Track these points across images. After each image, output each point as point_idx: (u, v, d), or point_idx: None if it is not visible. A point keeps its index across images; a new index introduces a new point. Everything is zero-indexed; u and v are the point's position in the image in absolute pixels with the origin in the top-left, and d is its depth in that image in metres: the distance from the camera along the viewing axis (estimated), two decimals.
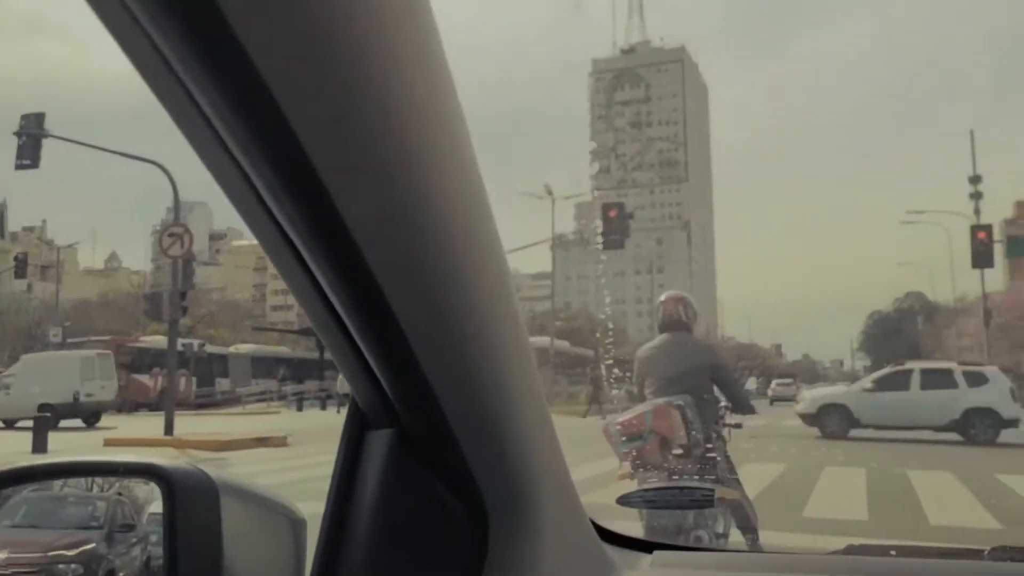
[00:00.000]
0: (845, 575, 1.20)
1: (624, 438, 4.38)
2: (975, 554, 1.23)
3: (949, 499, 8.29)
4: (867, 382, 18.99)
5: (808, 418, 18.18)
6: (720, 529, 4.78)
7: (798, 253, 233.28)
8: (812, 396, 19.53)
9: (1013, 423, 16.70)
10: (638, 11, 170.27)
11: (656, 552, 1.22)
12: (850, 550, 1.32)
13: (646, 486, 1.67)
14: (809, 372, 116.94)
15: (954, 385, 17.57)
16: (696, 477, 4.48)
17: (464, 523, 0.85)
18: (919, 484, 9.35)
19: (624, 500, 1.60)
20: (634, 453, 4.35)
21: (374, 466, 0.81)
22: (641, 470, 4.34)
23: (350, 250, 0.62)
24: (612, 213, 26.52)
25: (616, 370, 6.29)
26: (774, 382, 62.06)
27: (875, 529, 6.69)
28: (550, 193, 35.70)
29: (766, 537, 5.40)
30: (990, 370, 18.78)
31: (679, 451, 4.37)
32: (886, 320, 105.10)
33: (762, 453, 13.11)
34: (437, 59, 0.61)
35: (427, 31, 0.58)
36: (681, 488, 1.68)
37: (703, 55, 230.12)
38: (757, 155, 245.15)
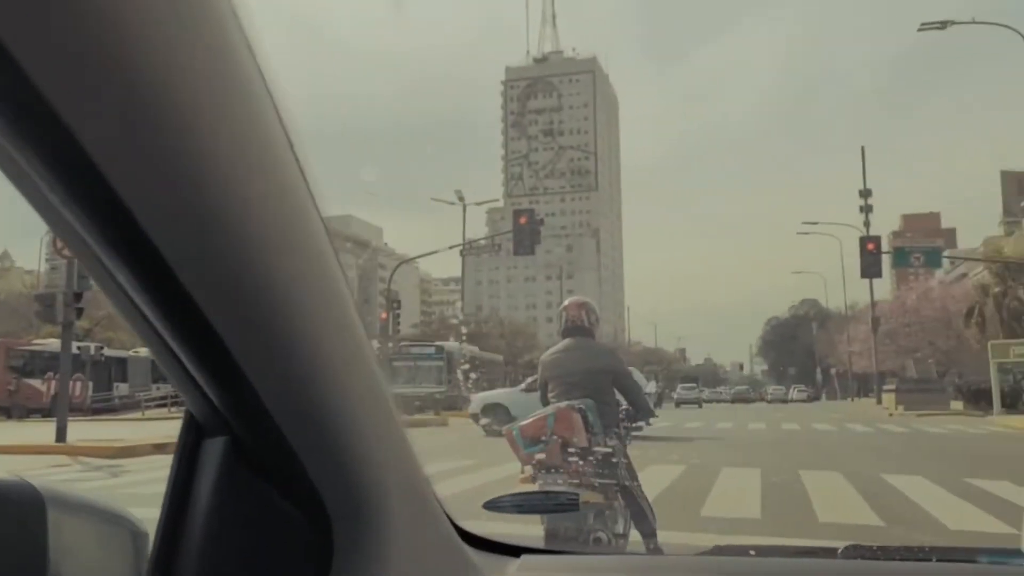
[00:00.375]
0: (706, 575, 1.26)
1: (527, 442, 4.47)
2: (830, 553, 1.32)
3: (837, 498, 8.70)
4: (523, 385, 20.79)
5: (474, 416, 20.09)
6: (620, 530, 4.92)
7: (701, 261, 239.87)
8: (479, 398, 21.64)
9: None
10: (551, 21, 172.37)
11: (524, 556, 1.23)
12: (715, 550, 1.39)
13: (513, 491, 1.72)
14: (711, 375, 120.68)
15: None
16: (597, 480, 4.61)
17: (305, 532, 0.83)
18: (810, 484, 9.78)
19: (491, 505, 1.63)
20: (536, 457, 4.43)
21: (208, 476, 0.79)
22: (543, 473, 4.43)
23: (155, 260, 0.59)
24: (523, 219, 26.81)
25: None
26: (680, 386, 64.30)
27: (767, 527, 6.98)
28: (461, 199, 35.76)
29: (666, 537, 5.58)
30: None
31: (580, 454, 4.47)
32: (783, 326, 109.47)
33: (663, 455, 13.48)
34: (243, 59, 0.58)
35: (228, 32, 0.56)
36: (547, 493, 1.74)
37: (613, 66, 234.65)
38: (663, 165, 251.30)
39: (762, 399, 76.46)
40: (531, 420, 4.55)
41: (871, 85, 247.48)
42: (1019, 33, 28.23)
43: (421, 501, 0.98)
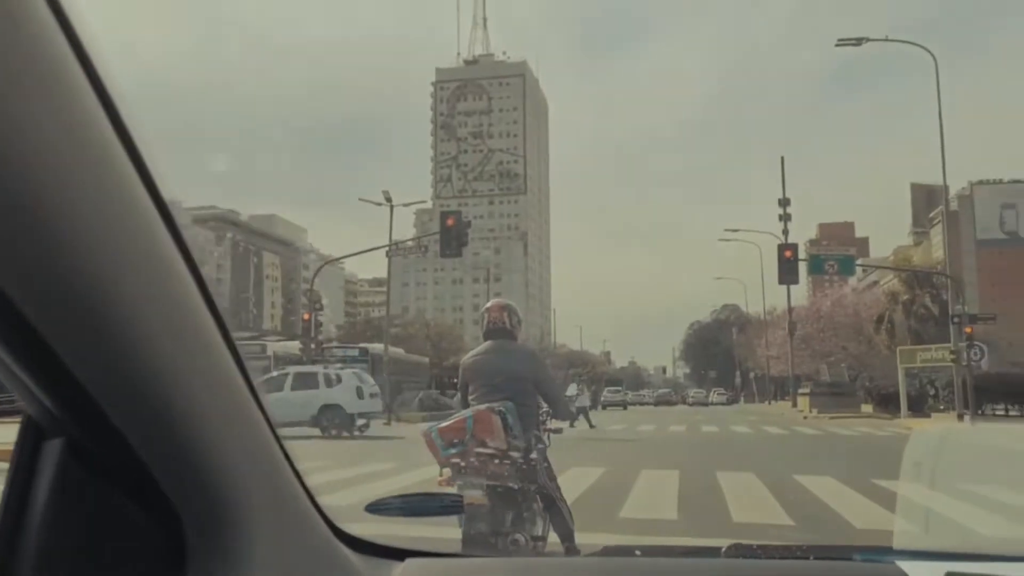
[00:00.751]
0: (585, 574, 1.27)
1: (445, 444, 4.43)
2: (713, 552, 1.35)
3: (751, 498, 8.91)
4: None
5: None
6: (539, 532, 4.93)
7: (627, 265, 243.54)
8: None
9: (354, 417, 20.73)
10: (482, 24, 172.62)
11: (408, 560, 1.23)
12: (605, 551, 1.40)
13: (395, 494, 1.69)
14: (635, 378, 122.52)
15: (316, 386, 21.13)
16: (515, 482, 4.61)
17: (154, 534, 0.82)
18: (726, 485, 10.01)
19: (373, 508, 1.61)
20: (455, 459, 4.41)
21: (46, 477, 0.77)
22: (461, 476, 4.41)
23: None
24: (450, 221, 26.68)
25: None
26: (605, 389, 65.63)
27: (683, 528, 7.11)
28: (388, 200, 35.38)
29: (583, 538, 5.62)
30: (346, 373, 22.62)
31: (499, 456, 4.47)
32: (704, 330, 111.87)
33: (585, 457, 13.61)
34: (66, 54, 0.57)
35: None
36: (430, 495, 1.72)
37: (544, 71, 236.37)
38: (591, 170, 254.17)
39: (684, 402, 78.08)
40: (450, 422, 4.53)
41: (792, 97, 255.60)
42: (928, 51, 29.59)
43: (292, 505, 0.96)
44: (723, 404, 71.63)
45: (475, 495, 4.31)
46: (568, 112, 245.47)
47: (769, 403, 63.15)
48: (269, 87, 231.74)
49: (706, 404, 69.73)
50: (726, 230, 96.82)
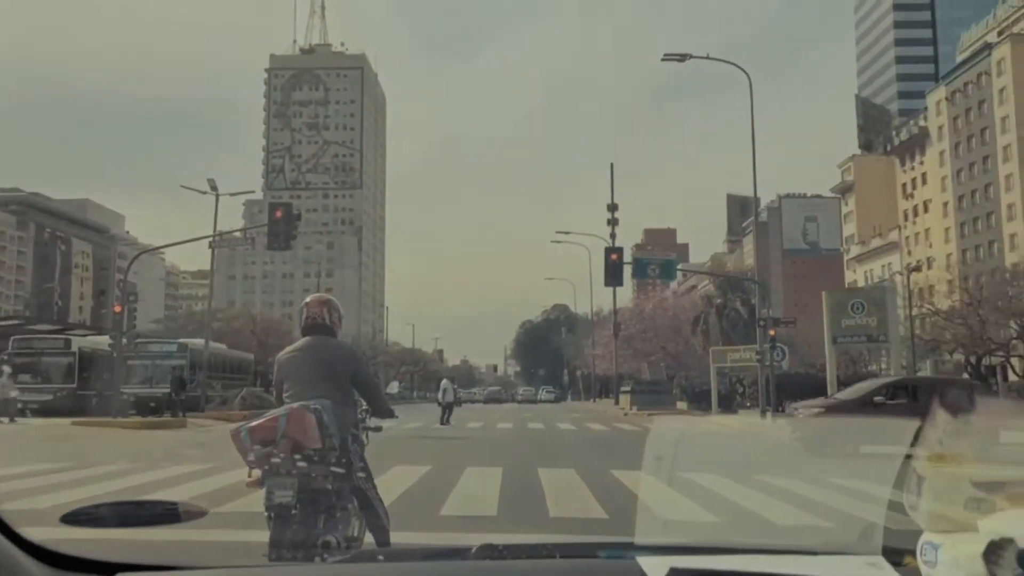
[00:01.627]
0: None
1: (255, 444, 4.24)
2: (462, 553, 1.35)
3: (569, 494, 9.18)
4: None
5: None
6: (354, 533, 4.82)
7: (462, 264, 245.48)
8: None
9: None
10: (319, 12, 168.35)
11: (119, 574, 1.15)
12: (356, 556, 1.37)
13: (98, 503, 1.55)
14: (467, 376, 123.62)
15: None
16: (329, 483, 4.48)
17: None
18: (547, 481, 10.26)
19: (70, 518, 1.47)
20: (265, 460, 4.23)
21: None
22: (271, 477, 4.23)
23: None
24: (279, 213, 25.83)
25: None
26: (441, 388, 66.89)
27: (501, 524, 7.20)
28: (214, 188, 33.70)
29: (401, 538, 5.55)
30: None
31: (313, 457, 4.32)
32: (535, 329, 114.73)
33: (411, 455, 13.55)
34: None
35: None
36: (141, 503, 1.60)
37: (383, 66, 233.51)
38: (429, 169, 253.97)
39: (513, 400, 79.54)
40: (261, 421, 4.33)
41: (623, 106, 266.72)
42: (743, 70, 31.71)
43: None
44: (551, 402, 73.58)
45: (284, 496, 4.16)
46: (407, 109, 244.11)
47: (594, 401, 65.53)
48: (84, 62, 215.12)
49: (535, 402, 71.40)
50: (557, 232, 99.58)
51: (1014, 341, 42.88)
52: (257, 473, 4.31)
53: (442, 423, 25.61)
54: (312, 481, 4.34)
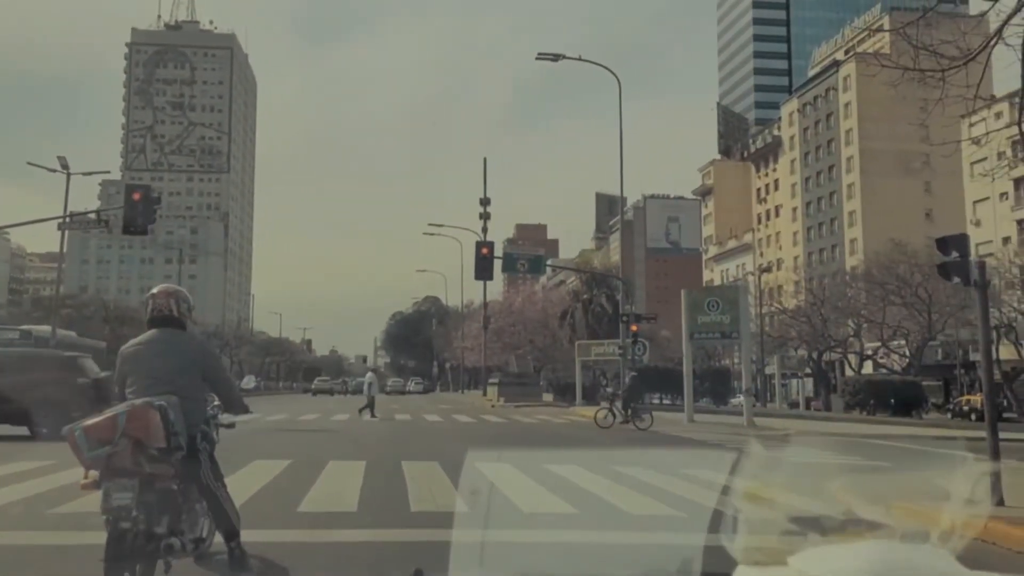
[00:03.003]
0: None
1: (92, 444, 4.04)
2: None
3: (432, 487, 9.18)
4: None
5: None
6: (201, 534, 4.68)
7: (332, 252, 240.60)
8: None
9: None
10: None
11: None
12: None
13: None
14: (336, 367, 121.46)
15: None
16: (174, 482, 4.33)
17: None
18: (410, 474, 10.24)
19: None
20: (103, 460, 4.04)
21: None
22: (109, 478, 4.05)
23: None
24: (136, 196, 24.50)
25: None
26: (316, 379, 69.10)
27: (362, 519, 7.14)
28: (65, 167, 31.65)
29: (255, 536, 5.43)
30: None
31: (156, 456, 4.17)
32: (406, 321, 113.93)
33: (272, 449, 13.22)
34: None
35: None
36: None
37: (254, 48, 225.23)
38: (300, 155, 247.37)
39: (382, 391, 78.77)
40: (98, 419, 4.13)
41: (500, 103, 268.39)
42: (613, 73, 32.61)
43: None
44: (420, 393, 73.44)
45: (123, 499, 3.98)
46: (280, 94, 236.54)
47: (463, 392, 65.85)
48: None
49: (404, 393, 71.04)
50: (430, 224, 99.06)
51: (851, 339, 46.17)
52: (94, 474, 4.12)
53: (370, 416, 25.19)
54: (155, 482, 4.19)
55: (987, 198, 51.18)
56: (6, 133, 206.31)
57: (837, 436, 19.71)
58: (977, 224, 51.86)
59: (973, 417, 35.85)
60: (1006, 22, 9.03)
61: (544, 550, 5.63)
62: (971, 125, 24.27)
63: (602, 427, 21.49)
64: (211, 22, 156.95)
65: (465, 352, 64.96)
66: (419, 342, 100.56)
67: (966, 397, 39.78)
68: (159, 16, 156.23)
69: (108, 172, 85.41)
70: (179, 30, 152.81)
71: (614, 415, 22.22)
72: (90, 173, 36.94)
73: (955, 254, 8.62)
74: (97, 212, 33.08)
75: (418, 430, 20.57)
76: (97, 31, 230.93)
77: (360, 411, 26.13)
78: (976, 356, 46.83)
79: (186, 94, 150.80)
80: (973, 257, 8.84)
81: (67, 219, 31.72)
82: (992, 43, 9.26)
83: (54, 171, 31.86)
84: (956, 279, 8.79)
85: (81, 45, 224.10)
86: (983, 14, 10.36)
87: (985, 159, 29.52)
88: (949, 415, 38.44)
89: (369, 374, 29.47)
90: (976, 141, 13.41)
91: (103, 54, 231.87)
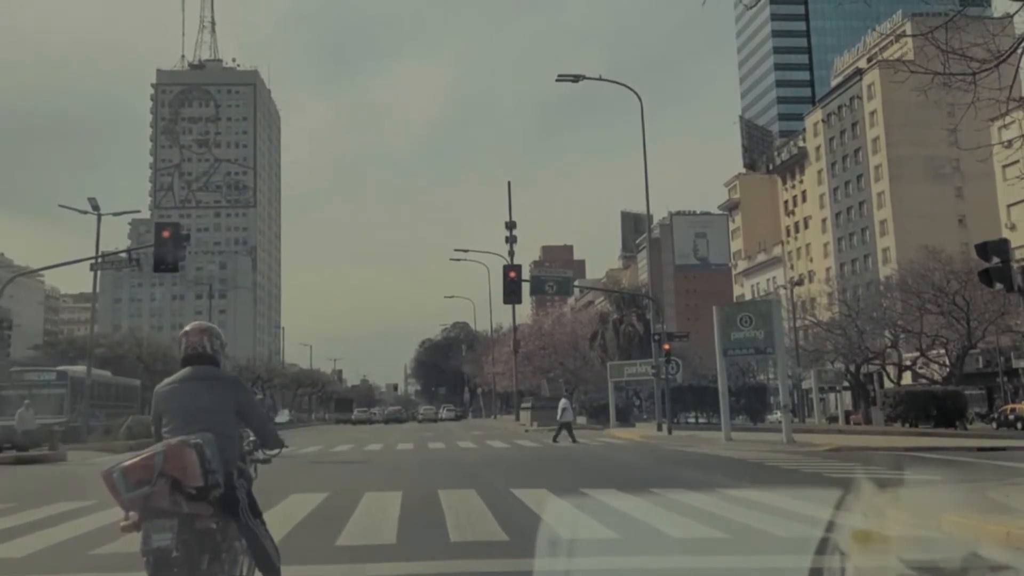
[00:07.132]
0: None
1: (130, 485, 3.99)
2: None
3: (469, 516, 9.05)
4: None
5: None
6: (241, 572, 4.61)
7: (360, 282, 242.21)
8: None
9: None
10: (209, 27, 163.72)
11: None
12: None
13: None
14: (367, 396, 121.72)
15: None
16: (213, 521, 4.27)
17: None
18: (447, 503, 10.11)
19: None
20: (140, 501, 3.99)
21: None
22: (149, 518, 3.99)
23: None
24: (166, 233, 24.81)
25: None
26: (356, 410, 75.00)
27: (402, 552, 7.03)
28: (96, 208, 32.17)
29: (295, 572, 5.36)
30: None
31: (194, 495, 4.11)
32: (435, 347, 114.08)
33: (308, 482, 13.17)
34: None
35: None
36: None
37: (277, 82, 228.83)
38: (327, 187, 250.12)
39: (414, 419, 78.78)
40: (136, 460, 4.08)
41: (522, 125, 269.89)
42: (635, 92, 32.57)
43: None
44: (452, 420, 73.28)
45: (163, 540, 3.92)
46: (303, 126, 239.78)
47: (495, 417, 65.57)
48: None
49: (436, 420, 70.97)
50: (456, 250, 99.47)
51: (889, 349, 45.37)
52: (134, 515, 4.07)
53: (571, 441, 26.44)
54: (194, 521, 4.13)
55: (1021, 201, 50.28)
56: (38, 175, 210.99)
57: (895, 451, 19.29)
58: (1012, 228, 50.95)
59: (1019, 426, 34.95)
60: None
61: None
62: (1002, 127, 23.91)
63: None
64: (234, 59, 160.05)
65: (496, 377, 64.74)
66: (449, 368, 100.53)
67: (1011, 405, 38.79)
68: (183, 56, 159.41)
69: (138, 211, 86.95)
70: (203, 69, 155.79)
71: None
72: (120, 213, 37.55)
73: (996, 259, 8.42)
74: (128, 251, 33.57)
75: (452, 458, 20.44)
76: (123, 74, 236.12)
77: (555, 438, 27.01)
78: (1020, 363, 45.85)
79: (211, 131, 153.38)
80: (1014, 262, 8.62)
81: (99, 259, 32.19)
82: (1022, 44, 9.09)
83: (85, 212, 32.40)
84: (998, 285, 8.58)
85: (108, 88, 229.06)
86: (1010, 16, 10.19)
87: (1017, 162, 29.04)
88: (994, 425, 37.49)
89: (563, 400, 30.08)
90: (1008, 144, 13.17)
91: (129, 96, 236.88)
